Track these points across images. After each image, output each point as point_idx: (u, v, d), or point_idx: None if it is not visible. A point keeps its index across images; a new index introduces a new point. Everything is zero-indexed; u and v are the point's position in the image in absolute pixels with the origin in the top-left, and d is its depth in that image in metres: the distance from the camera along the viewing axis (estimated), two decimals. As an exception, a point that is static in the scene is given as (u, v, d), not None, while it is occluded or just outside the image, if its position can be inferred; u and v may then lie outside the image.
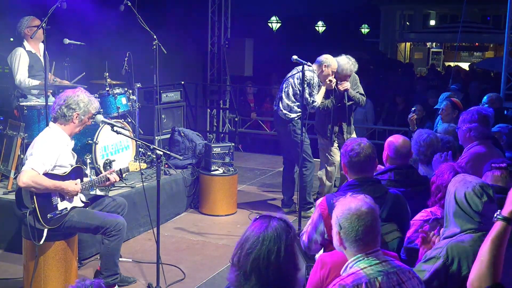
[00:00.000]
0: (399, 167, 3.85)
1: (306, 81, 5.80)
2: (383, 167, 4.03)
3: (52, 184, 3.98)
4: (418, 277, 2.48)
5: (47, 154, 3.99)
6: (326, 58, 6.15)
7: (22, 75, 5.65)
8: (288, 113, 6.14)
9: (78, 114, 4.14)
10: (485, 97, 6.47)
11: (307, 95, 5.94)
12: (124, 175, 4.67)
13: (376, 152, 3.42)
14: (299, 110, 6.09)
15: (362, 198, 2.52)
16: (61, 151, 4.11)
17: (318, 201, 3.31)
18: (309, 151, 6.22)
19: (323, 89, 6.18)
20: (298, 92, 6.05)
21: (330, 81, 6.13)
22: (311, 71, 6.01)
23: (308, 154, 6.19)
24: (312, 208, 6.22)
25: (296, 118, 6.14)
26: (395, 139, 3.95)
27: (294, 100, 6.11)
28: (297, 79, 6.06)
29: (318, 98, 6.15)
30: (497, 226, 2.18)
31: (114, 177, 4.41)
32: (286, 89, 6.18)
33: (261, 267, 2.01)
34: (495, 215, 2.20)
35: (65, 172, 4.13)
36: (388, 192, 3.35)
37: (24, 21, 5.76)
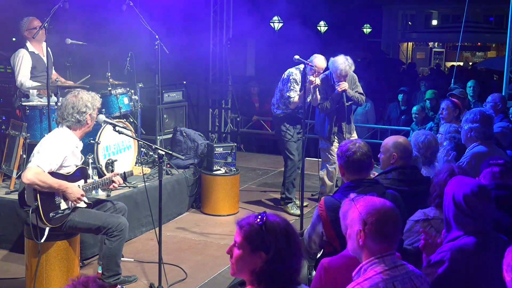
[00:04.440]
0: (403, 167, 3.86)
1: (284, 76, 6.22)
2: (376, 166, 4.04)
3: (57, 183, 3.99)
4: (428, 281, 2.45)
5: (54, 153, 4.02)
6: (313, 56, 6.18)
7: (23, 76, 5.66)
8: (275, 110, 6.45)
9: (90, 114, 4.23)
10: (489, 97, 6.46)
11: (282, 89, 6.24)
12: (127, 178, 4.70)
13: (372, 152, 3.42)
14: (283, 107, 6.34)
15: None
16: (68, 152, 4.13)
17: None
18: (291, 148, 6.38)
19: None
20: (280, 88, 6.32)
21: (311, 80, 6.03)
22: (296, 68, 6.23)
23: (290, 151, 6.37)
24: (290, 204, 6.51)
25: (280, 115, 6.37)
26: (402, 139, 3.97)
27: (278, 97, 6.37)
28: (283, 77, 6.31)
29: (294, 94, 6.16)
30: None
31: (118, 179, 4.42)
32: (277, 87, 6.43)
33: None
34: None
35: (69, 172, 4.15)
36: (387, 192, 3.33)
37: (23, 23, 5.76)
